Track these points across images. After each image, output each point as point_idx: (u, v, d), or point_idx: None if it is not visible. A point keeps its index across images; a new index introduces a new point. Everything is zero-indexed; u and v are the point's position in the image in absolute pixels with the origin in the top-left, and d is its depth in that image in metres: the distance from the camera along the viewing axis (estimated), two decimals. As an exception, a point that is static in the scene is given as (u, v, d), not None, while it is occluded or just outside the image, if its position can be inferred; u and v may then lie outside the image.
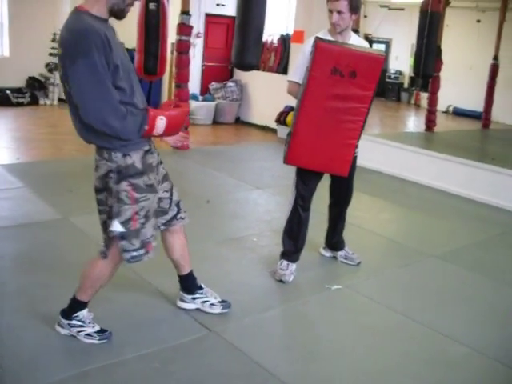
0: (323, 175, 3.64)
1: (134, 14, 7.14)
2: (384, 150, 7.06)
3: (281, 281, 3.63)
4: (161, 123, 2.52)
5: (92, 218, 4.44)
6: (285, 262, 3.70)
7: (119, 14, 2.51)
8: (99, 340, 2.80)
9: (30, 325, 2.91)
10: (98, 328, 2.83)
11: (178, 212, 2.92)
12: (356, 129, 3.36)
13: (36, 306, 3.10)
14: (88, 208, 4.70)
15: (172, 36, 7.28)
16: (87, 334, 2.80)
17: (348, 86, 3.22)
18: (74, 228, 4.28)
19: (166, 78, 9.18)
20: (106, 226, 2.69)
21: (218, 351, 2.85)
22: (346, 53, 3.24)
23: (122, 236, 2.59)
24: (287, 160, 3.48)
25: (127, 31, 9.33)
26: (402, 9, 13.53)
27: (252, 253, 4.08)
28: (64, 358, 2.71)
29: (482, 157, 7.15)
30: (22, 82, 10.31)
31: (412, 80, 14.15)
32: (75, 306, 2.82)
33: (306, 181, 3.60)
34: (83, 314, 2.82)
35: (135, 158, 2.56)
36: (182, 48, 7.11)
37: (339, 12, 3.36)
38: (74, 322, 2.80)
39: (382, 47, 13.94)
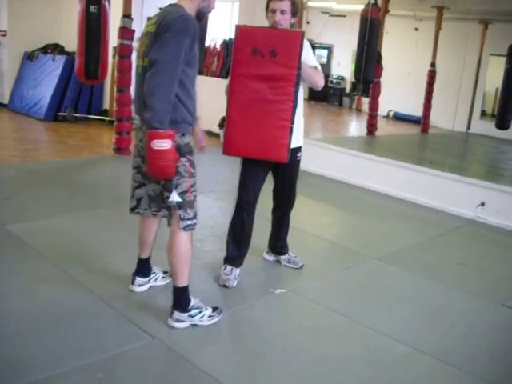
0: (266, 176, 3.67)
1: (74, 16, 7.01)
2: (326, 154, 7.17)
3: (225, 286, 3.63)
4: None
5: (31, 226, 4.39)
6: (228, 267, 3.70)
7: (202, 17, 2.93)
8: (219, 316, 3.10)
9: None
10: (210, 308, 3.09)
11: None
12: (287, 109, 3.36)
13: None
14: (26, 215, 4.63)
15: (114, 40, 7.17)
16: (209, 316, 3.06)
17: (270, 65, 3.30)
18: (11, 236, 4.15)
19: (107, 82, 9.04)
20: (162, 197, 3.00)
21: (162, 359, 2.82)
22: (264, 32, 3.39)
23: (180, 206, 2.88)
24: (225, 150, 3.50)
25: (67, 33, 9.22)
26: (344, 15, 13.76)
27: (195, 258, 4.01)
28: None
29: (421, 160, 7.36)
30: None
31: (353, 85, 14.41)
32: (184, 294, 3.00)
33: (248, 183, 3.62)
34: (194, 300, 3.04)
35: (189, 139, 2.92)
36: (124, 52, 7.00)
37: (282, 12, 3.41)
38: (192, 311, 3.01)
39: (325, 53, 14.18)
